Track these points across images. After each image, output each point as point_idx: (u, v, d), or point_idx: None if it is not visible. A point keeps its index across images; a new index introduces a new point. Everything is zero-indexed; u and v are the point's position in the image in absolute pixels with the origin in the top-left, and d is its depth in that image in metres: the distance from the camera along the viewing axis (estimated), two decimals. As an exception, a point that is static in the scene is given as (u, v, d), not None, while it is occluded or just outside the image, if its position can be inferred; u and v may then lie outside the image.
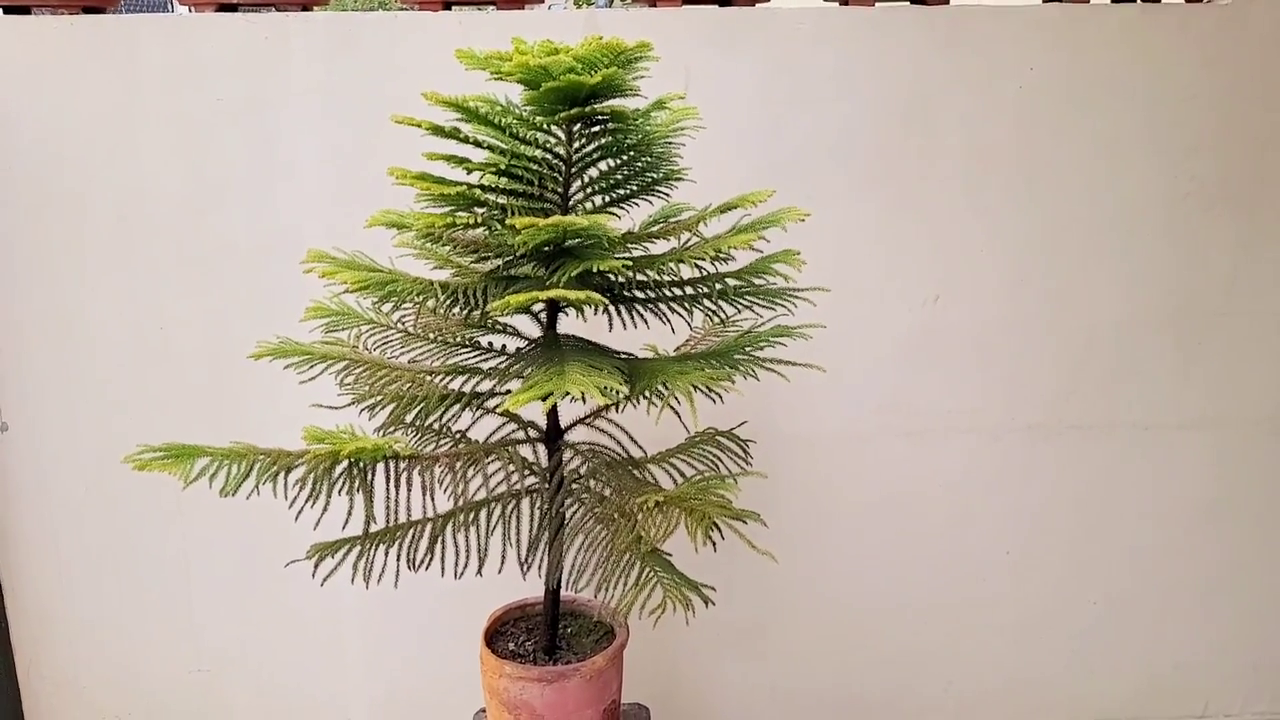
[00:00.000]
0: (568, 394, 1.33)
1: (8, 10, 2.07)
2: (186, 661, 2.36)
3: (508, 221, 1.34)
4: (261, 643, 2.36)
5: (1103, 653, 2.47)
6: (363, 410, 1.69)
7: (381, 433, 1.68)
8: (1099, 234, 2.23)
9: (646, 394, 1.52)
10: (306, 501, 1.47)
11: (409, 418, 1.70)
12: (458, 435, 1.77)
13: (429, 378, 1.70)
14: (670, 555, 1.57)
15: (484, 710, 1.86)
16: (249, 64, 2.08)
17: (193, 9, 2.12)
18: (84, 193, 2.11)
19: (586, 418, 1.80)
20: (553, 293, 1.32)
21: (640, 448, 1.82)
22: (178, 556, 2.29)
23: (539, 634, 1.88)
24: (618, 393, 1.35)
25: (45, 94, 2.07)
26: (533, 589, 1.89)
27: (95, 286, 2.16)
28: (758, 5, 2.17)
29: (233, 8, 2.09)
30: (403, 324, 1.76)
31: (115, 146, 2.10)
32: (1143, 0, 2.17)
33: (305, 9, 2.13)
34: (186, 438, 2.13)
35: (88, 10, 2.10)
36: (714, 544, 1.44)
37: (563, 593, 1.81)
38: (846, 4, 2.16)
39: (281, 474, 1.48)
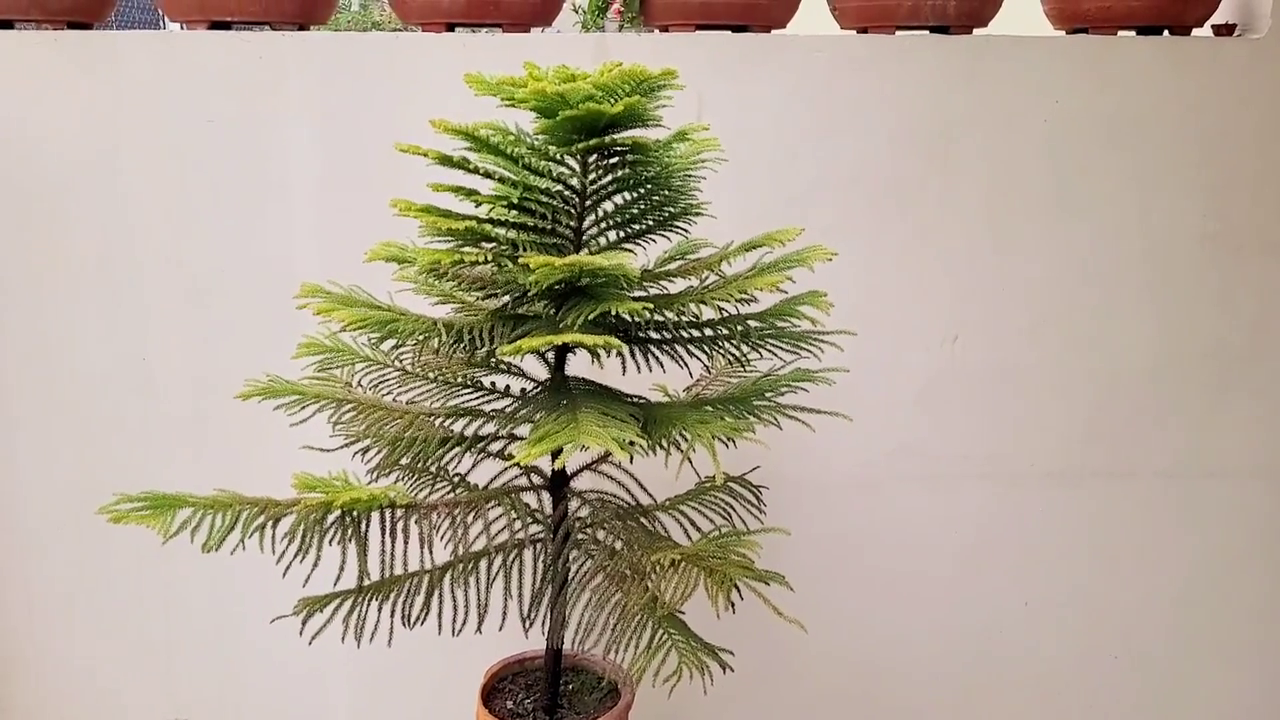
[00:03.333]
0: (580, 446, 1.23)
1: (-10, 25, 1.98)
2: (163, 709, 2.24)
3: (520, 260, 1.25)
4: (243, 693, 2.24)
5: (1123, 709, 2.38)
6: (356, 454, 1.59)
7: (376, 475, 1.59)
8: (1124, 274, 2.16)
9: (664, 444, 1.43)
10: (296, 556, 1.37)
11: (405, 460, 1.60)
12: (456, 479, 1.67)
13: (428, 419, 1.60)
14: (684, 612, 1.47)
15: (479, 773, 1.75)
16: (242, 84, 1.99)
17: (184, 26, 2.03)
18: (67, 215, 2.01)
19: (593, 464, 1.70)
20: (569, 337, 1.22)
21: (649, 494, 1.72)
22: (156, 598, 2.18)
23: (539, 691, 1.77)
24: (635, 445, 1.25)
25: (28, 112, 1.97)
26: (533, 642, 1.79)
27: (76, 313, 2.05)
28: (774, 32, 2.09)
29: (226, 25, 2.00)
30: (401, 362, 1.66)
31: (100, 167, 2.00)
32: (1171, 33, 2.10)
33: (301, 28, 2.04)
34: (168, 474, 2.05)
35: (73, 25, 2.01)
36: (733, 607, 1.35)
37: (566, 649, 1.71)
38: (865, 31, 2.09)
39: (270, 525, 1.37)
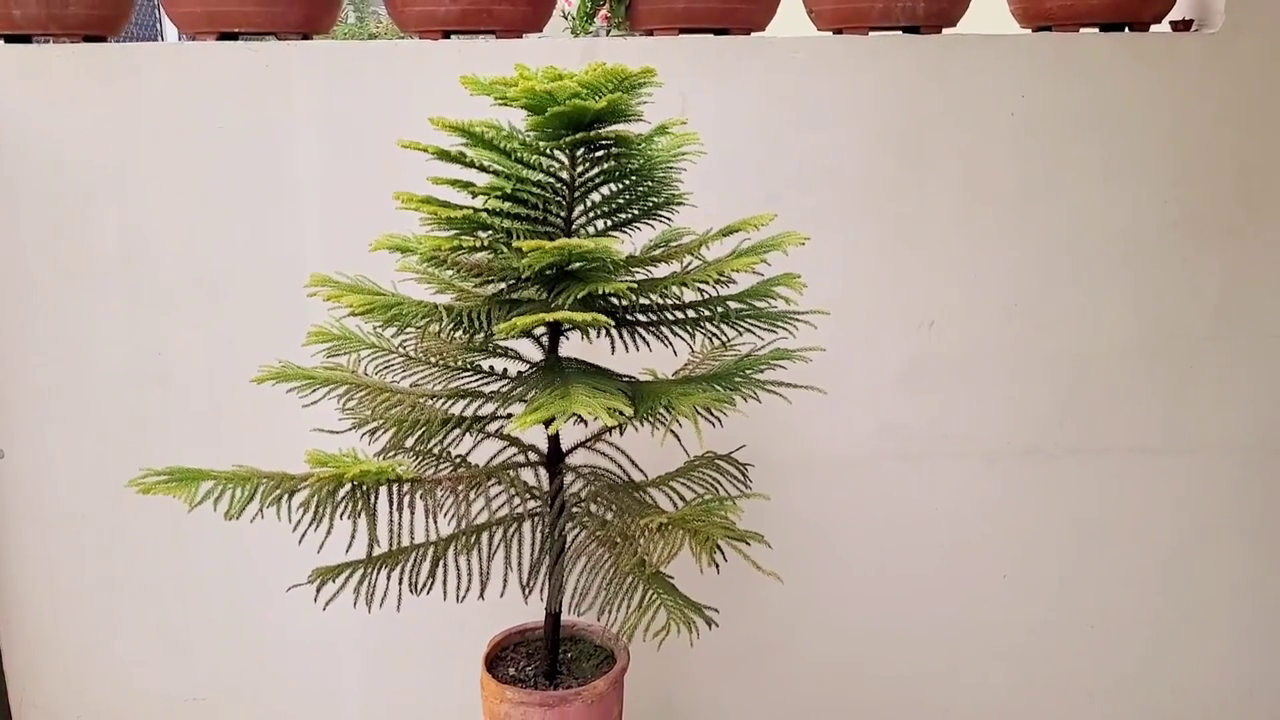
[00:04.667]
0: (572, 416, 1.34)
1: (9, 39, 2.09)
2: (183, 690, 2.34)
3: (514, 244, 1.36)
4: (259, 670, 2.34)
5: (1100, 677, 2.47)
6: (363, 435, 1.69)
7: (383, 457, 1.69)
8: (1091, 260, 2.26)
9: (650, 416, 1.53)
10: (310, 525, 1.47)
11: (410, 442, 1.70)
12: (458, 459, 1.78)
13: (430, 402, 1.70)
14: (673, 578, 1.58)
15: (484, 736, 1.86)
16: (251, 92, 2.09)
17: (193, 37, 2.13)
18: (86, 219, 2.12)
19: (587, 441, 1.81)
20: (558, 315, 1.33)
21: (641, 471, 1.82)
22: (174, 583, 2.28)
23: (539, 659, 1.87)
24: (623, 414, 1.36)
25: (48, 122, 2.08)
26: (532, 614, 1.89)
27: (97, 312, 2.16)
28: (753, 34, 2.20)
29: (234, 36, 2.11)
30: (404, 348, 1.77)
31: (118, 173, 2.11)
32: (1131, 29, 2.21)
33: (305, 37, 2.15)
34: (186, 462, 2.14)
35: (89, 39, 2.12)
36: (717, 566, 1.44)
37: (563, 617, 1.81)
38: (840, 33, 2.19)
39: (285, 497, 1.48)
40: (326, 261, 2.08)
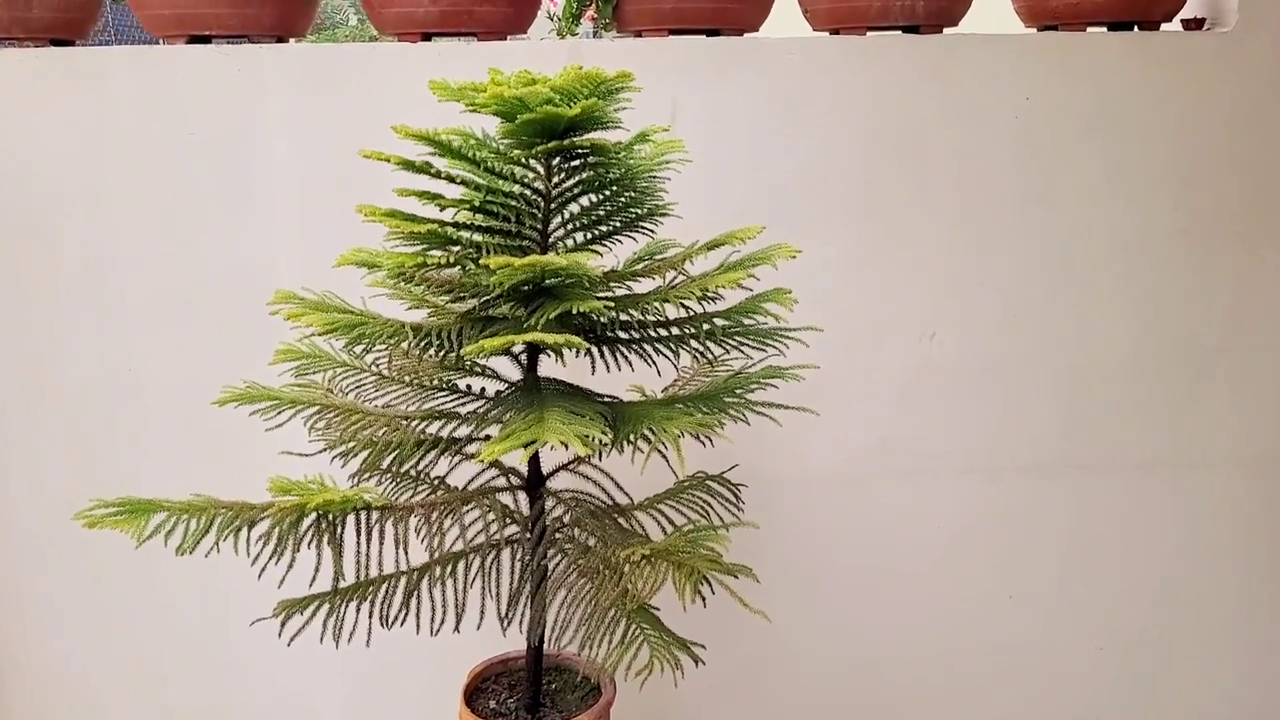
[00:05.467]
0: (544, 444, 1.25)
1: (-29, 43, 2.01)
2: (153, 717, 2.25)
3: (481, 261, 1.27)
4: (233, 699, 2.26)
5: (1109, 699, 2.38)
6: (335, 458, 1.61)
7: (356, 480, 1.61)
8: (1097, 268, 2.17)
9: (631, 439, 1.45)
10: (271, 558, 1.39)
11: (385, 463, 1.62)
12: (436, 481, 1.70)
13: (405, 422, 1.62)
14: (659, 609, 1.49)
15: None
16: (222, 97, 2.01)
17: (164, 40, 2.05)
18: (52, 227, 2.04)
19: (569, 464, 1.72)
20: (530, 336, 1.24)
21: (626, 494, 1.74)
22: (147, 607, 2.20)
23: (522, 691, 1.79)
24: (601, 442, 1.27)
25: (11, 128, 2.00)
26: (515, 644, 1.81)
27: (62, 324, 2.08)
28: (746, 35, 2.12)
29: (205, 39, 2.03)
30: (377, 366, 1.68)
31: (84, 181, 2.03)
32: (1141, 28, 2.12)
33: (280, 40, 2.07)
34: (157, 479, 2.07)
35: (55, 42, 2.04)
36: (704, 600, 1.36)
37: (547, 648, 1.73)
38: (837, 33, 2.11)
39: (244, 528, 1.39)
40: (302, 274, 2.00)
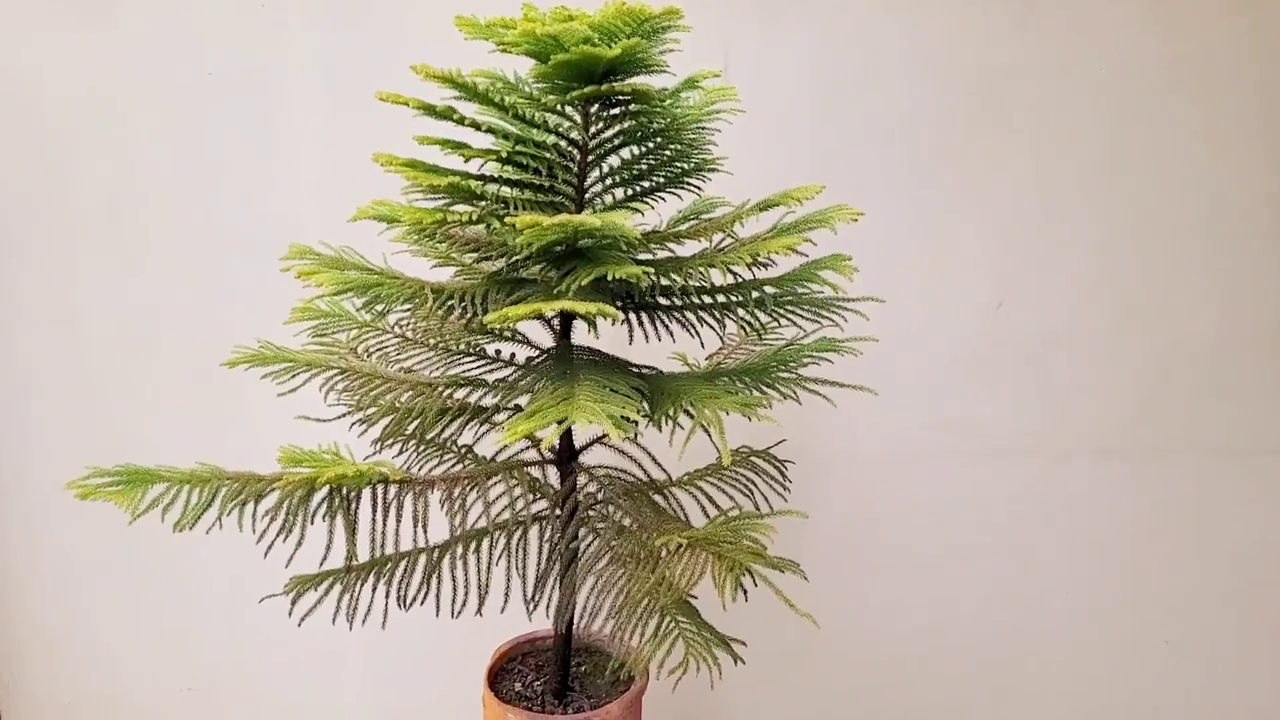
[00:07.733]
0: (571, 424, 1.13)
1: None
2: (176, 680, 2.20)
3: (506, 220, 1.14)
4: (256, 662, 2.19)
5: (1176, 698, 2.25)
6: (354, 424, 1.50)
7: (379, 447, 1.50)
8: (1189, 236, 2.00)
9: (670, 416, 1.32)
10: (278, 535, 1.29)
11: (408, 430, 1.51)
12: (463, 450, 1.59)
13: (429, 389, 1.51)
14: (696, 597, 1.37)
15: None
16: (243, 35, 1.90)
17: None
18: (66, 176, 1.95)
19: (603, 436, 1.60)
20: (559, 304, 1.12)
21: (664, 470, 1.62)
22: (170, 567, 2.14)
23: (549, 672, 1.69)
24: (633, 422, 1.15)
25: (21, 71, 1.90)
26: (543, 624, 1.70)
27: (81, 276, 2.00)
28: (808, -26, 1.95)
29: (229, -27, 1.91)
30: (401, 328, 1.57)
31: (99, 125, 1.93)
32: (1247, -28, 1.93)
33: (307, -26, 1.94)
34: (177, 438, 1.99)
35: (71, -26, 1.93)
36: (746, 594, 1.24)
37: (576, 630, 1.62)
38: (908, -26, 1.94)
39: (251, 502, 1.29)
40: (327, 221, 1.89)
